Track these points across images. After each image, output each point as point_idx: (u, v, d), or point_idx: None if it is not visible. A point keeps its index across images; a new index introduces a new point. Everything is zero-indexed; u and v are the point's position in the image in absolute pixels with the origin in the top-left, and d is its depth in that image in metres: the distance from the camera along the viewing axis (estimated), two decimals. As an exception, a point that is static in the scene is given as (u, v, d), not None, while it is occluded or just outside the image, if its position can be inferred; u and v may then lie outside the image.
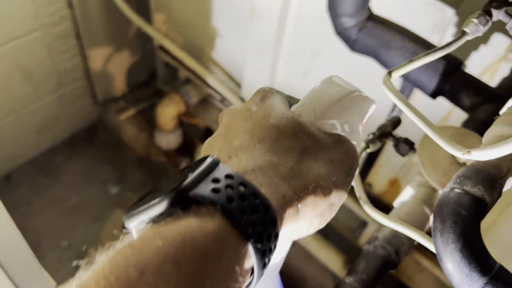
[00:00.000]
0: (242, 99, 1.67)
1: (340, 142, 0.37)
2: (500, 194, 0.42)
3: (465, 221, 0.39)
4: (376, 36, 0.87)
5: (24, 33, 1.67)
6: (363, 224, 1.60)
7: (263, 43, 1.40)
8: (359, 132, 0.41)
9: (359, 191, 0.59)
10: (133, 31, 1.99)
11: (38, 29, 1.70)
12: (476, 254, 0.37)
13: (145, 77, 2.30)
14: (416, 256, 1.47)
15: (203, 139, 2.00)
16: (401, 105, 0.46)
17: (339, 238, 1.64)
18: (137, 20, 1.74)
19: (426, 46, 0.84)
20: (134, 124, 2.18)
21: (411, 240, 0.61)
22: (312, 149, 0.35)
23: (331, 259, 1.54)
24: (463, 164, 0.62)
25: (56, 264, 1.83)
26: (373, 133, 0.67)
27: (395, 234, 0.61)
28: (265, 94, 0.39)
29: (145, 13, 1.83)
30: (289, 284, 1.84)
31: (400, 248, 0.60)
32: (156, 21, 1.83)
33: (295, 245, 1.85)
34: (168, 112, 1.77)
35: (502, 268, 0.36)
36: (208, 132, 2.06)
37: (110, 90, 2.19)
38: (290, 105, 0.39)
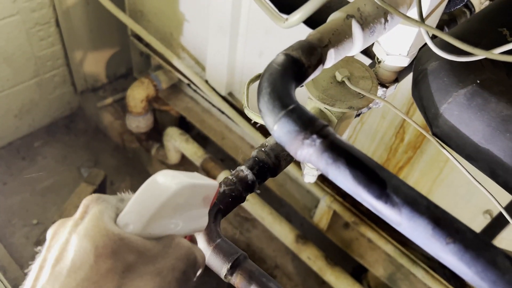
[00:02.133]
0: (207, 82, 1.74)
1: (171, 247, 0.36)
2: (320, 61, 0.48)
3: (278, 73, 0.45)
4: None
5: (3, 16, 1.77)
6: (318, 204, 1.65)
7: (221, 22, 1.49)
8: (204, 218, 0.42)
9: (243, 99, 0.65)
10: (111, 23, 2.09)
11: (17, 14, 1.80)
12: (280, 96, 0.43)
13: (123, 70, 2.39)
14: (369, 234, 1.51)
15: (174, 125, 2.07)
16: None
17: (295, 216, 1.69)
18: (111, 7, 1.84)
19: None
20: (110, 113, 2.25)
21: (292, 149, 0.67)
22: (137, 265, 0.34)
23: (284, 233, 1.58)
24: (341, 82, 0.68)
25: (25, 240, 1.88)
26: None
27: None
28: (86, 208, 0.36)
29: (120, 2, 1.93)
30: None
31: (280, 153, 0.66)
32: (129, 10, 1.93)
33: (258, 226, 1.90)
34: (137, 94, 1.85)
35: (299, 106, 0.43)
36: (181, 119, 2.13)
37: (89, 80, 2.28)
38: (118, 214, 0.37)
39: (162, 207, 0.36)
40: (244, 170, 0.65)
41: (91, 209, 0.36)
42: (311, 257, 1.54)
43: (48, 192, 2.06)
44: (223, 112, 1.78)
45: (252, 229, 1.87)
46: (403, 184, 0.39)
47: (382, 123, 1.30)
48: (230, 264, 0.56)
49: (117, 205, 0.38)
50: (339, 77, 0.68)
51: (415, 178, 1.30)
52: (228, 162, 2.06)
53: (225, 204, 0.63)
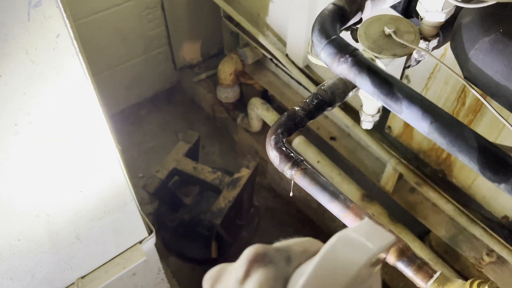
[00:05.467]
0: (287, 55, 1.95)
1: None
2: (358, 9, 0.67)
3: (326, 15, 0.65)
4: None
5: (122, 1, 2.13)
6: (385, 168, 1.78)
7: (301, 1, 1.68)
8: (375, 277, 0.35)
9: (308, 48, 0.85)
10: (206, 7, 2.38)
11: (132, -1, 2.17)
12: (325, 30, 0.63)
13: (215, 50, 2.69)
14: (431, 195, 1.62)
15: (257, 97, 2.32)
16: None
17: (363, 178, 1.84)
18: (207, -8, 2.12)
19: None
20: (204, 87, 2.57)
21: (346, 87, 0.86)
22: None
23: (351, 192, 1.74)
24: (389, 35, 0.85)
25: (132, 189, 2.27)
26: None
27: (334, 82, 0.86)
28: (251, 266, 0.32)
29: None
30: (318, 221, 2.06)
31: (335, 91, 0.85)
32: (223, -6, 2.20)
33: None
34: (227, 67, 2.12)
35: (338, 37, 0.62)
36: (264, 93, 2.37)
37: (187, 58, 2.61)
38: (286, 279, 0.32)
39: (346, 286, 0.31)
40: (307, 102, 0.85)
41: (256, 272, 0.32)
42: (375, 213, 1.69)
43: (151, 152, 2.43)
44: (300, 84, 1.98)
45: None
46: (405, 86, 0.57)
47: (445, 88, 1.40)
48: (291, 162, 0.77)
49: (285, 268, 0.33)
50: (387, 31, 0.85)
51: (475, 140, 1.39)
52: (304, 131, 2.26)
53: (289, 127, 0.84)
